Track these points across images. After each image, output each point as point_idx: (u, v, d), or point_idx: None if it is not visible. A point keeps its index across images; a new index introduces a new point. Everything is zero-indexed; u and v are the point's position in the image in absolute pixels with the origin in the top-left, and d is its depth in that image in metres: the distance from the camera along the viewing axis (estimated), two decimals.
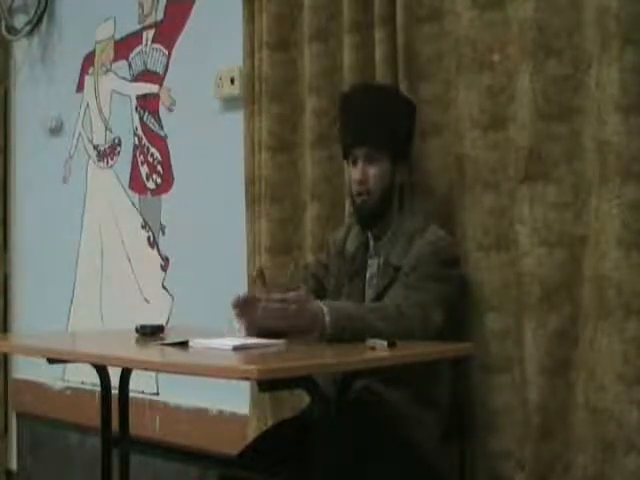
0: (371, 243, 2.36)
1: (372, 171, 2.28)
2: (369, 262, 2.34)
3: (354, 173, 2.31)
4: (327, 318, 2.01)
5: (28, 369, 4.19)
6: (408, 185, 2.38)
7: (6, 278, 4.48)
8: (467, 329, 2.30)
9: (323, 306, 2.03)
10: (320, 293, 2.37)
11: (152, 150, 3.60)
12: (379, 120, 2.30)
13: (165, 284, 3.52)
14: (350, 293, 2.31)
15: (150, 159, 3.61)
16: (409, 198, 2.37)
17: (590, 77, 2.11)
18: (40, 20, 4.23)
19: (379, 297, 2.23)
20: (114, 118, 3.84)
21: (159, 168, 3.57)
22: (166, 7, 3.54)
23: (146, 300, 3.63)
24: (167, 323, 3.30)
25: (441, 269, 2.20)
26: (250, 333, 2.11)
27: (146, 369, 2.36)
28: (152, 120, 3.59)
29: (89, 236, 3.97)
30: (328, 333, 2.01)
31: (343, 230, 2.46)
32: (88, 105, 4.00)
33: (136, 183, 3.70)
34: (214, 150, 3.29)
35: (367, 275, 2.32)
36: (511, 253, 2.25)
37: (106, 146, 3.88)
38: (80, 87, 4.05)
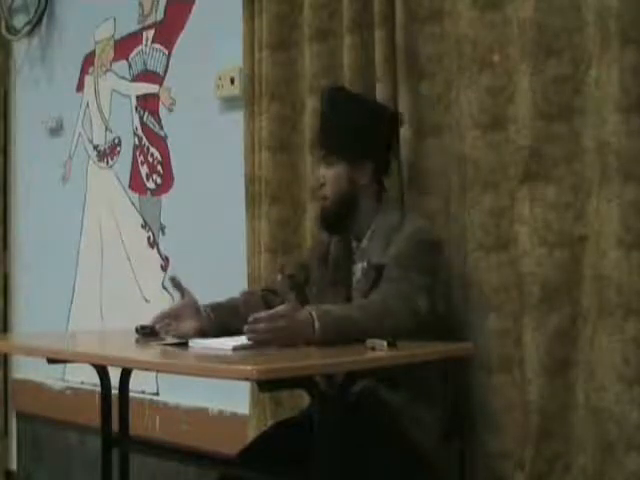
0: (354, 245, 2.34)
1: (328, 174, 2.31)
2: (353, 268, 2.31)
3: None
4: (317, 324, 1.96)
5: (28, 369, 4.19)
6: (383, 186, 2.36)
7: (6, 278, 4.48)
8: (467, 329, 2.30)
9: (312, 312, 1.98)
10: (304, 300, 2.33)
11: (152, 150, 3.60)
12: (332, 124, 2.33)
13: (165, 284, 3.52)
14: (333, 300, 2.26)
15: (150, 159, 3.61)
16: (385, 198, 2.35)
17: (590, 77, 2.11)
18: (40, 20, 4.24)
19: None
20: (114, 118, 3.84)
21: (159, 168, 3.57)
22: (166, 7, 3.54)
23: (146, 300, 3.63)
24: None
25: (423, 259, 2.17)
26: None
27: (146, 369, 2.36)
28: (152, 120, 3.59)
29: (89, 236, 3.97)
30: (318, 339, 1.97)
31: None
32: (88, 105, 4.00)
33: (136, 183, 3.70)
34: (214, 150, 3.29)
35: (354, 281, 2.29)
36: (511, 253, 2.24)
37: (106, 146, 3.88)
38: (80, 87, 4.05)
